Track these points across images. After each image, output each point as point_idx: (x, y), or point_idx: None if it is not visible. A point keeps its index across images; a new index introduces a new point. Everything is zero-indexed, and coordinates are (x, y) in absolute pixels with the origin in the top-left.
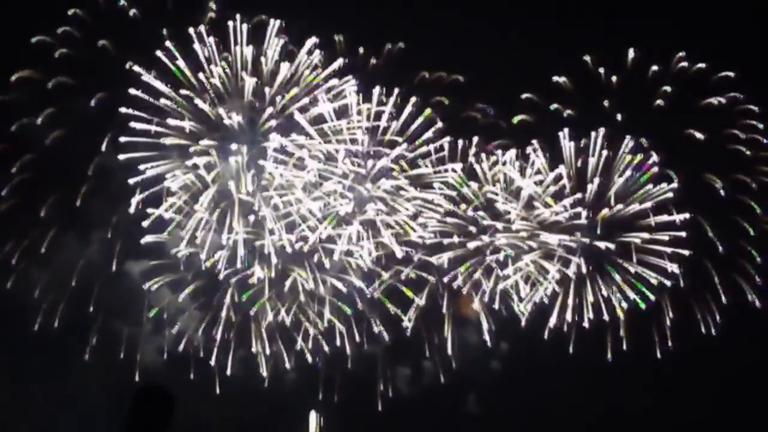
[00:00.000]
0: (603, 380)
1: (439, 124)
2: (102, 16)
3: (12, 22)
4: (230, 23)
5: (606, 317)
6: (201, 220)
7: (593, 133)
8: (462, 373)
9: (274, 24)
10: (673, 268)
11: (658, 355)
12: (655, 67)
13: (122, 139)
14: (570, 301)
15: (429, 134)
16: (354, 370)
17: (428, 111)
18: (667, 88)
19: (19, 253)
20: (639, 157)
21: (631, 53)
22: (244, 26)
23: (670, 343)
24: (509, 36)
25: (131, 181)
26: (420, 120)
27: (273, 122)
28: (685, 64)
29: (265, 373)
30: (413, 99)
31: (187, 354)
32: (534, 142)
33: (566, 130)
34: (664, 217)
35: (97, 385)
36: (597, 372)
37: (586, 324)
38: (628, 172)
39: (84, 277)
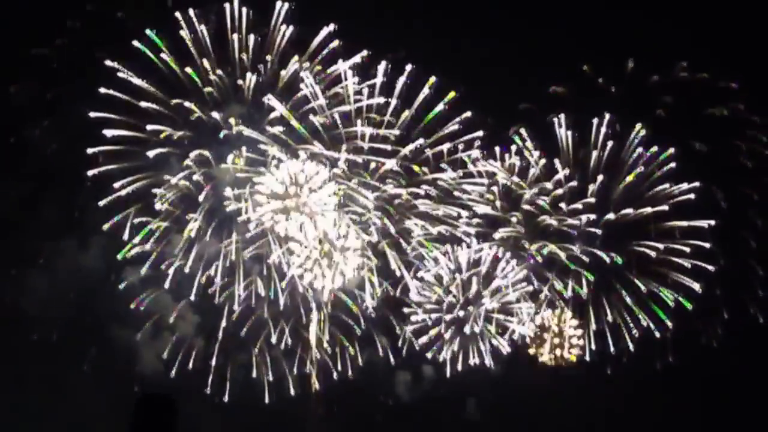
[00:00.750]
0: (603, 388)
1: (468, 113)
2: (100, 28)
3: (11, 34)
4: (226, 6)
5: (612, 349)
6: (196, 231)
7: (595, 120)
8: (461, 380)
9: (282, 6)
10: (695, 286)
11: (658, 368)
12: (655, 77)
13: (90, 150)
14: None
15: (453, 126)
16: (354, 379)
17: (452, 94)
18: (668, 98)
19: (18, 263)
20: (653, 149)
21: (630, 63)
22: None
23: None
24: (508, 46)
25: (101, 203)
26: (441, 106)
27: (275, 129)
28: (685, 74)
29: (266, 388)
30: (433, 79)
31: (185, 363)
32: (522, 131)
33: (562, 116)
34: (684, 224)
35: (97, 394)
36: (596, 381)
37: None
38: (639, 168)
39: (83, 287)
